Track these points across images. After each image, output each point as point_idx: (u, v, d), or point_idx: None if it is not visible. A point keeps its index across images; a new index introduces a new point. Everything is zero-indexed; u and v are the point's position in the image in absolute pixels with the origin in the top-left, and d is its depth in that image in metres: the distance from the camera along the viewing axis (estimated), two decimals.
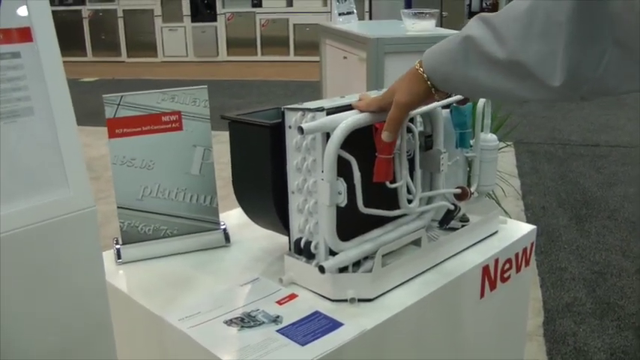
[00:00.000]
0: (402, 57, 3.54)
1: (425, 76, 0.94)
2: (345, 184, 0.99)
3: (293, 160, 1.06)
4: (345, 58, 3.94)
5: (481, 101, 1.25)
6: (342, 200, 1.00)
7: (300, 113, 1.03)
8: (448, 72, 0.91)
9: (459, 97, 1.18)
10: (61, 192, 0.81)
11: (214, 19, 9.64)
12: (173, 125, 1.20)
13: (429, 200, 1.19)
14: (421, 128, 1.15)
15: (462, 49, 0.88)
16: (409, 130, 1.09)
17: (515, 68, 0.82)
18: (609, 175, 4.23)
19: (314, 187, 1.03)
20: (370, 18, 9.06)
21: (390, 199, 1.09)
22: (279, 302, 1.04)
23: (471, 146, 1.27)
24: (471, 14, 11.96)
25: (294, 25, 9.61)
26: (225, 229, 1.27)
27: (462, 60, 0.88)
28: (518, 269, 1.33)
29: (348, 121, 0.98)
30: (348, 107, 1.05)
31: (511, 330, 1.43)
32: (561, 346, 2.36)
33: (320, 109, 1.01)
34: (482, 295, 1.23)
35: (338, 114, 1.01)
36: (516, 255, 1.31)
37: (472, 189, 1.27)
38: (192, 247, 1.24)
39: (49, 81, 0.80)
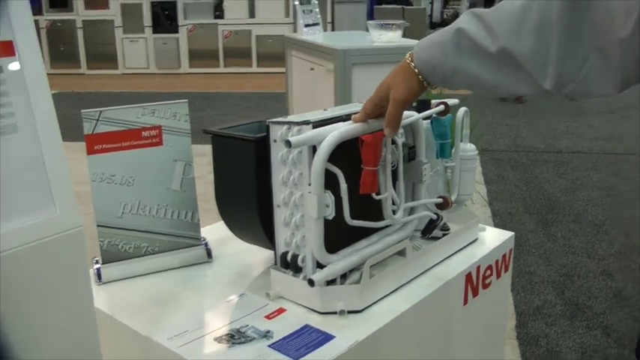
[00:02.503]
0: (369, 68, 3.57)
1: (416, 71, 0.95)
2: (332, 197, 0.99)
3: (278, 173, 1.05)
4: (312, 69, 3.95)
5: (460, 112, 1.26)
6: (330, 213, 1.00)
7: (285, 127, 1.02)
8: (439, 64, 0.93)
9: (439, 108, 1.19)
10: (47, 212, 0.79)
11: (176, 31, 9.56)
12: (153, 140, 1.18)
13: (412, 210, 1.20)
14: (403, 139, 1.16)
15: (453, 41, 0.89)
16: (393, 142, 1.10)
17: (506, 61, 0.84)
18: (572, 181, 4.32)
19: (301, 200, 1.03)
20: (333, 29, 9.12)
21: (373, 210, 1.10)
22: (268, 317, 1.03)
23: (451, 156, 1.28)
24: (433, 25, 12.16)
25: (257, 36, 9.59)
26: (206, 245, 1.26)
27: (453, 52, 0.90)
28: (498, 275, 1.35)
29: (335, 133, 0.98)
30: (333, 120, 1.05)
31: (492, 334, 1.45)
32: (534, 347, 2.39)
33: (306, 122, 1.01)
34: (465, 302, 1.24)
35: (324, 127, 1.01)
36: (496, 262, 1.33)
37: (452, 198, 1.28)
38: (174, 264, 1.22)
39: (33, 97, 0.77)
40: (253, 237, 1.18)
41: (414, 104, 1.20)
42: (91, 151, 1.12)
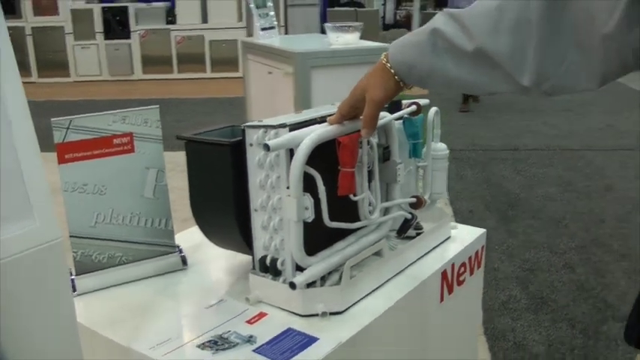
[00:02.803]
0: (328, 70, 3.58)
1: (392, 71, 0.96)
2: (312, 200, 0.99)
3: (255, 177, 1.05)
4: (270, 73, 3.94)
5: (431, 111, 1.28)
6: (310, 215, 1.00)
7: (262, 130, 1.02)
8: (415, 64, 0.94)
9: (411, 109, 1.21)
10: (26, 224, 0.77)
11: (128, 37, 9.40)
12: (125, 148, 1.16)
13: (387, 211, 1.21)
14: (376, 140, 1.17)
15: (430, 42, 0.90)
16: (368, 142, 1.10)
17: (483, 60, 0.85)
18: (530, 177, 4.42)
19: (279, 203, 1.03)
20: (286, 32, 9.11)
21: (349, 211, 1.10)
22: (250, 322, 1.03)
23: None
24: (385, 27, 12.28)
25: (210, 41, 9.51)
26: (181, 252, 1.24)
27: (429, 52, 0.91)
28: (471, 272, 1.37)
29: (313, 136, 0.98)
30: (309, 122, 1.05)
31: (467, 329, 1.47)
32: (502, 342, 2.44)
33: (282, 126, 1.01)
34: (441, 299, 1.26)
35: (301, 129, 1.01)
36: (469, 258, 1.35)
37: (425, 197, 1.30)
38: (150, 272, 1.20)
39: (9, 106, 0.76)
40: (231, 242, 1.17)
41: (387, 105, 1.21)
42: (62, 160, 1.10)
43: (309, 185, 0.99)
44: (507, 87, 0.86)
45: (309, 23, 9.82)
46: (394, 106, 1.22)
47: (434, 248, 1.31)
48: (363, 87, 1.00)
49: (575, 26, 0.77)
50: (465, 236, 1.38)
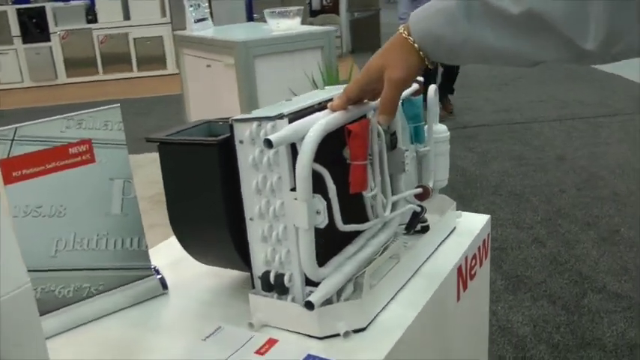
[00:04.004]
0: (272, 59, 3.42)
1: (416, 45, 0.80)
2: (324, 202, 0.83)
3: (250, 180, 0.88)
4: (208, 66, 3.74)
5: (431, 89, 1.13)
6: (322, 220, 0.84)
7: (255, 124, 0.85)
8: (444, 34, 0.78)
9: (413, 87, 1.06)
10: None
11: (48, 39, 8.89)
12: (83, 157, 0.97)
13: (393, 205, 1.06)
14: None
15: (463, 6, 0.75)
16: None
17: (532, 23, 0.70)
18: (483, 154, 4.38)
19: (282, 209, 0.87)
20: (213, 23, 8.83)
21: (355, 210, 0.95)
22: (260, 352, 0.86)
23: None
24: (313, 12, 12.11)
25: (135, 39, 9.14)
26: (159, 274, 1.06)
27: (462, 19, 0.76)
28: (481, 264, 1.25)
29: (319, 126, 0.82)
30: (308, 111, 0.89)
31: (480, 327, 1.35)
32: None
33: (280, 117, 0.84)
34: (458, 298, 1.13)
35: (301, 120, 0.85)
36: (479, 249, 1.23)
37: (429, 186, 1.16)
38: (126, 302, 1.02)
39: None
40: (222, 259, 1.00)
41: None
42: (8, 179, 0.89)
43: (314, 185, 0.83)
44: (559, 54, 0.72)
45: (235, 15, 9.56)
46: None
47: (442, 241, 1.18)
48: (379, 65, 0.85)
49: None
50: (471, 225, 1.25)
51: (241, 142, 0.87)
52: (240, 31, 3.94)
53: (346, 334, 0.88)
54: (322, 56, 3.59)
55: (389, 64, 0.83)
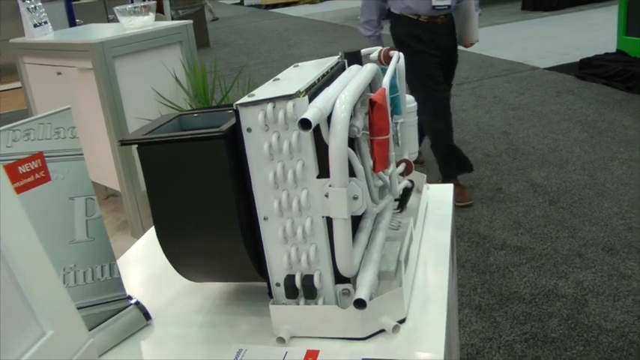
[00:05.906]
0: (133, 58, 3.18)
1: None
2: (361, 185, 0.73)
3: (265, 173, 0.75)
4: (59, 74, 3.40)
5: (397, 55, 1.06)
6: (361, 206, 0.74)
7: (269, 105, 0.73)
8: None
9: (395, 57, 0.98)
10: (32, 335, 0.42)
11: None
12: (36, 176, 0.78)
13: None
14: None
15: None
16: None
17: None
18: None
19: (308, 202, 0.75)
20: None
21: None
22: None
23: None
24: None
25: None
26: (137, 303, 0.90)
27: None
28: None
29: (345, 100, 0.71)
30: (322, 84, 0.78)
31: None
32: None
33: (297, 94, 0.73)
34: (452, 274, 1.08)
35: (321, 95, 0.74)
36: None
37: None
38: (110, 342, 0.84)
39: None
40: (229, 270, 0.85)
41: (343, 57, 0.98)
42: None
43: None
44: None
45: (56, 20, 8.87)
46: (352, 57, 0.99)
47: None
48: None
49: None
50: (443, 196, 1.21)
51: (249, 130, 0.75)
52: (90, 33, 3.62)
53: (395, 328, 0.79)
54: (182, 51, 3.41)
55: None
